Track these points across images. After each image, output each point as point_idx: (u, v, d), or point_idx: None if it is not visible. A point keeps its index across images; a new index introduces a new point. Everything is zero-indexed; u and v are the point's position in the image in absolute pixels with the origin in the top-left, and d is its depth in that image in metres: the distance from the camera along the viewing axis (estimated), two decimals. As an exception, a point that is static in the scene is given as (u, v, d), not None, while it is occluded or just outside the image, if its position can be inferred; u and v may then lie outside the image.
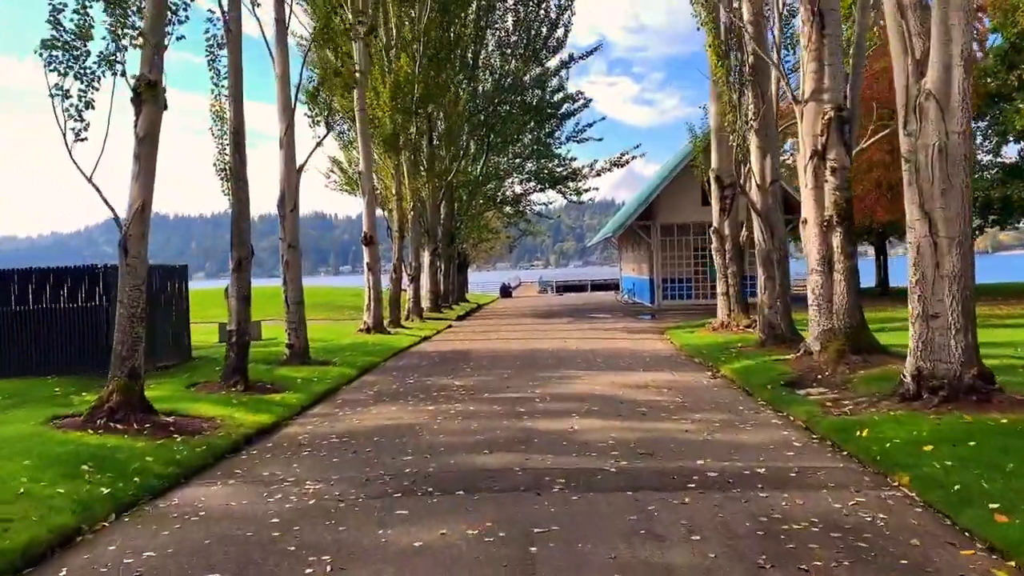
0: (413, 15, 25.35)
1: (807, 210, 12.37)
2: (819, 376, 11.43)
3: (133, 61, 9.57)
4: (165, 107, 9.59)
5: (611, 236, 34.23)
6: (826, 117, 12.03)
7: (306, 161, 15.95)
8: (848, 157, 12.15)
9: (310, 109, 16.20)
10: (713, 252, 19.32)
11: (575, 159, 35.92)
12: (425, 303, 32.41)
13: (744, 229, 19.50)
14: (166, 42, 9.66)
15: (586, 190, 37.00)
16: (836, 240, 11.96)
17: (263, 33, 15.31)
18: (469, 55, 30.95)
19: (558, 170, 36.15)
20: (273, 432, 9.65)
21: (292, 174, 15.67)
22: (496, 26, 33.26)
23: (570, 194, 37.01)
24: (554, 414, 10.02)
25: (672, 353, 16.76)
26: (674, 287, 35.10)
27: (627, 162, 35.01)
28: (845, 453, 7.56)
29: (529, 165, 37.12)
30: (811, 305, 12.30)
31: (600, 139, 36.76)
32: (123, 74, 9.40)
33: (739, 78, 15.86)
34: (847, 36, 13.75)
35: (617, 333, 22.25)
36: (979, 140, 34.38)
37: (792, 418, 9.28)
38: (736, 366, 13.12)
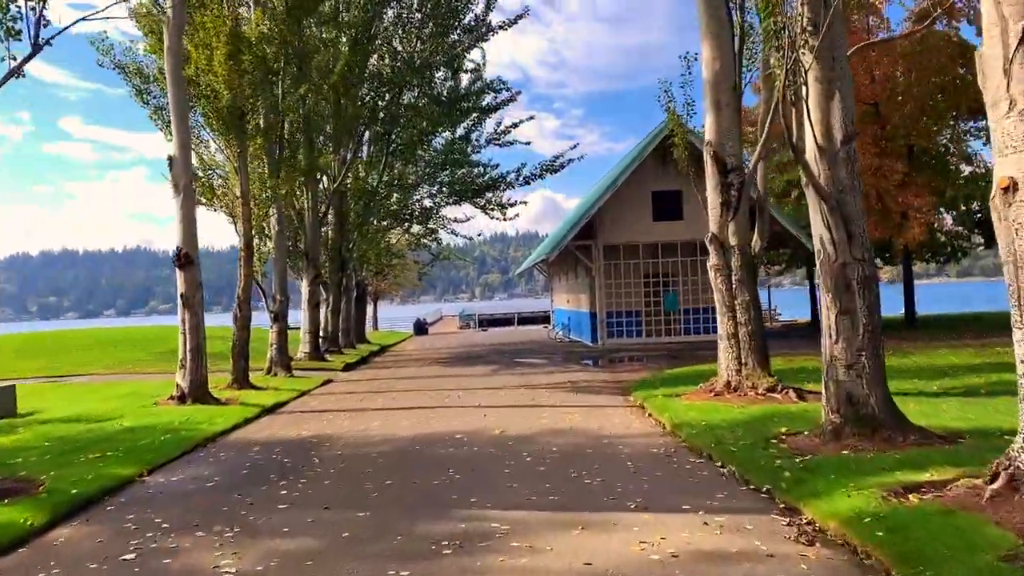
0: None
1: (1012, 163, 5.51)
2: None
3: None
4: None
5: (545, 258, 27.46)
6: (1056, -50, 5.25)
7: (-18, 99, 8.32)
8: (1106, 40, 5.38)
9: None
10: (711, 271, 12.45)
11: (497, 165, 29.00)
12: (302, 348, 24.68)
13: (756, 235, 12.72)
14: None
15: (511, 204, 30.04)
16: (1096, 227, 5.12)
17: None
18: (355, 31, 23.65)
19: (478, 180, 29.04)
20: None
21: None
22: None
23: (492, 209, 29.98)
24: None
25: (666, 446, 9.63)
26: (620, 323, 28.36)
27: (562, 166, 28.21)
28: None
29: (443, 175, 29.93)
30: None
31: (527, 143, 29.91)
32: None
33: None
34: None
35: (561, 394, 15.10)
36: (980, 143, 29.08)
37: None
38: (848, 510, 6.07)
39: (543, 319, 64.09)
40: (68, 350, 28.59)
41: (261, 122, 19.05)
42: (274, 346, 20.78)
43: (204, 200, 24.83)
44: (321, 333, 27.70)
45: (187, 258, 14.72)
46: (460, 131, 29.68)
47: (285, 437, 11.42)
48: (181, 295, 14.77)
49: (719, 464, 8.32)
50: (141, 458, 9.69)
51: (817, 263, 8.85)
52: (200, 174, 22.39)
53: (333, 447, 10.38)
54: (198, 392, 14.58)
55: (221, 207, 20.88)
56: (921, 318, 32.71)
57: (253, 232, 21.36)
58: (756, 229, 12.64)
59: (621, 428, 10.95)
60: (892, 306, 48.43)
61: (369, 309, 55.30)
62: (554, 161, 28.20)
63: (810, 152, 8.71)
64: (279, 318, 20.91)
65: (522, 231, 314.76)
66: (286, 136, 19.61)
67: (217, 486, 8.36)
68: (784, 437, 9.00)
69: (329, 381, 20.10)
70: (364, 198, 27.16)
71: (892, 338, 25.14)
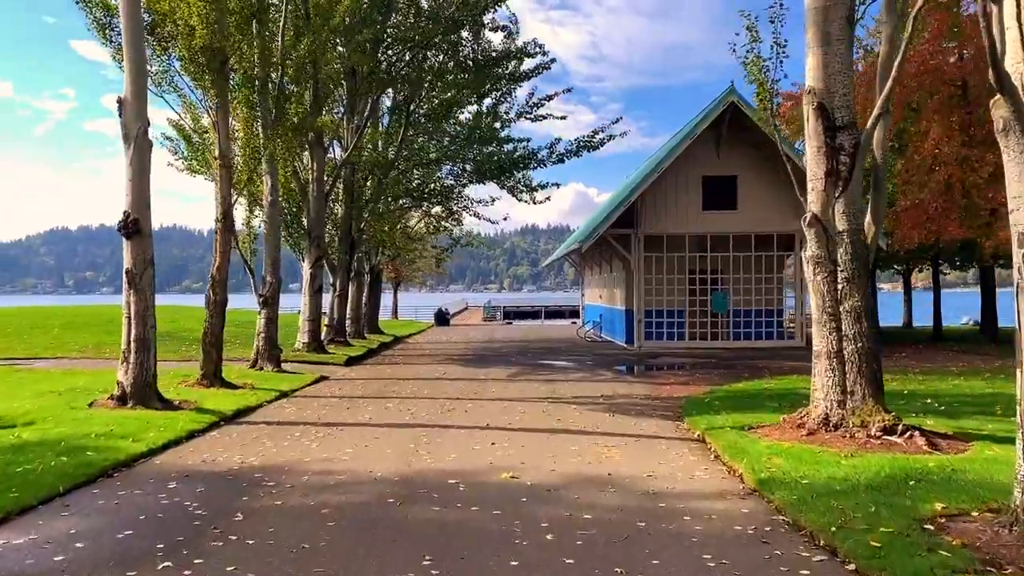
0: None
1: None
2: None
3: None
4: None
5: (578, 247, 24.35)
6: None
7: None
8: None
9: None
10: (808, 265, 9.20)
11: (528, 140, 25.74)
12: (300, 338, 21.83)
13: (869, 218, 9.51)
14: None
15: (542, 186, 26.87)
16: None
17: None
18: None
19: (505, 157, 25.81)
20: None
21: None
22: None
23: (520, 192, 26.85)
24: None
25: (757, 521, 6.45)
26: (660, 323, 25.13)
27: (601, 143, 24.93)
28: None
29: (469, 153, 26.71)
30: None
31: (563, 117, 26.74)
32: None
33: None
34: None
35: (594, 413, 12.02)
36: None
37: None
38: None
39: (571, 314, 60.93)
40: (51, 328, 26.05)
41: (256, 71, 16.14)
42: (262, 335, 17.91)
43: (197, 167, 22.07)
44: (325, 321, 24.91)
45: (135, 225, 11.82)
46: (488, 102, 26.53)
47: (222, 467, 8.46)
48: (126, 271, 11.87)
49: (853, 568, 5.18)
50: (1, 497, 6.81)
51: (1014, 243, 5.64)
52: (195, 138, 19.71)
53: (277, 491, 7.39)
54: (143, 392, 11.71)
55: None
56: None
57: (243, 201, 18.59)
58: (870, 210, 9.42)
59: (681, 478, 7.83)
60: (952, 315, 44.23)
61: (388, 296, 52.53)
62: (592, 137, 24.91)
63: (1015, 73, 5.51)
64: (269, 303, 18.02)
65: (553, 224, 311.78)
66: (285, 90, 16.61)
67: (64, 565, 5.40)
68: (945, 522, 5.84)
69: (322, 379, 17.22)
70: (379, 172, 24.19)
71: (976, 355, 21.71)
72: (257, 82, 15.80)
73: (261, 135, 16.10)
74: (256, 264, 18.54)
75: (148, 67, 14.66)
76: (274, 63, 16.20)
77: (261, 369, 17.56)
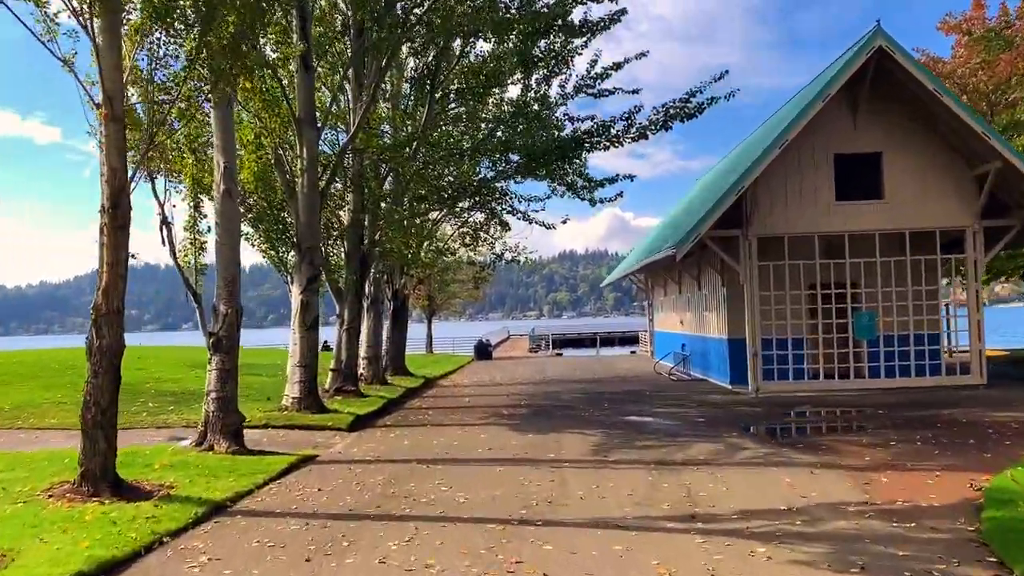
0: None
1: None
2: None
3: None
4: None
5: (670, 254, 17.81)
6: None
7: None
8: None
9: None
10: None
11: (592, 117, 19.26)
12: (289, 392, 15.61)
13: None
14: None
15: (611, 180, 20.47)
16: None
17: None
18: None
19: (562, 138, 19.39)
20: None
21: None
22: None
23: (581, 189, 20.52)
24: None
25: None
26: (781, 356, 18.38)
27: (700, 109, 18.23)
28: None
29: (514, 139, 20.27)
30: None
31: (636, 91, 20.30)
32: None
33: None
34: None
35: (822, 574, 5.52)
36: None
37: None
38: None
39: (622, 341, 54.09)
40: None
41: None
42: (212, 395, 11.70)
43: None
44: (332, 364, 18.76)
45: None
46: (536, 77, 20.34)
47: None
48: None
49: None
50: None
51: None
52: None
53: None
54: None
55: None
56: None
57: (184, 194, 12.63)
58: None
59: None
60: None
61: (421, 328, 46.41)
62: (687, 101, 18.28)
63: None
64: (223, 345, 11.83)
65: (591, 249, 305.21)
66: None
67: None
68: None
69: (303, 463, 10.97)
70: (394, 161, 18.04)
71: None
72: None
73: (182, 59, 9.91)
74: (207, 291, 12.49)
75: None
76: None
77: (210, 449, 11.34)
